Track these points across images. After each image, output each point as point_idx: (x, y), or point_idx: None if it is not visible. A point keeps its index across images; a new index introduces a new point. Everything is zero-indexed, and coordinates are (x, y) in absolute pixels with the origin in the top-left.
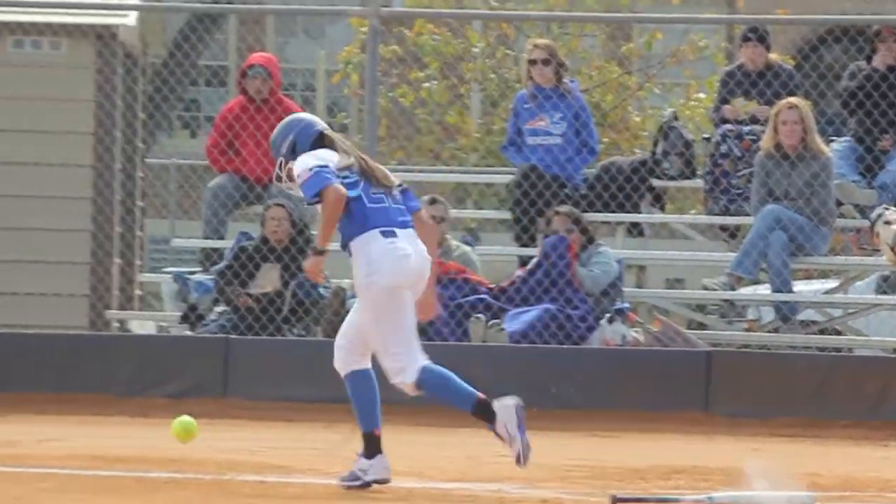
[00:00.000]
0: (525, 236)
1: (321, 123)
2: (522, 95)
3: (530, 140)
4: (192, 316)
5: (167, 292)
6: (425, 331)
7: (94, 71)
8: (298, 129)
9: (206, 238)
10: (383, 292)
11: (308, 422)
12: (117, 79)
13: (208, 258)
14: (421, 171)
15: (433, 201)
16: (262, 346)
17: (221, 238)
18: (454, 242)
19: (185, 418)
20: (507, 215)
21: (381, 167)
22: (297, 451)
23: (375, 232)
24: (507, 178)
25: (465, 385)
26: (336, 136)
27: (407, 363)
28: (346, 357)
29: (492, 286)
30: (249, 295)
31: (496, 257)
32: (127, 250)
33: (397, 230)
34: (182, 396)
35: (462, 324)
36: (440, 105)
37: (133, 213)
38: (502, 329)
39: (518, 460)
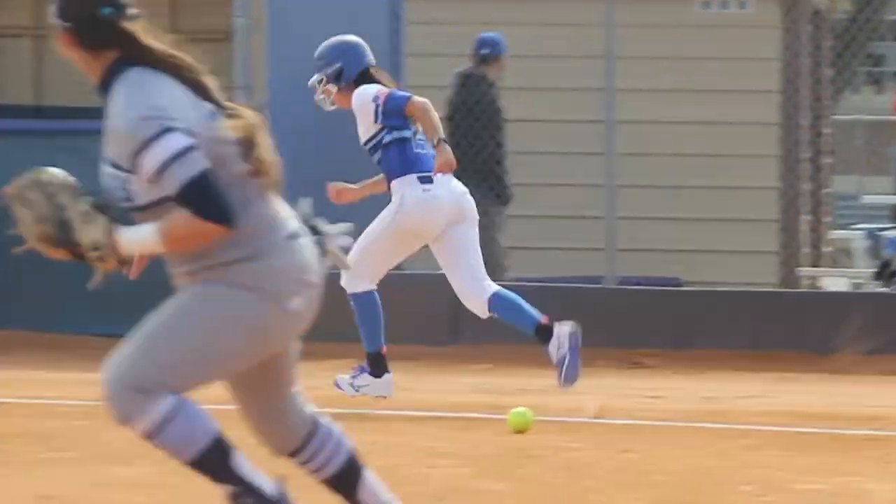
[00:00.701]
0: None
1: (370, 57)
2: None
3: None
4: (885, 272)
5: (858, 249)
6: None
7: (782, 30)
8: (348, 57)
9: None
10: (399, 232)
11: None
12: (804, 37)
13: None
14: None
15: None
16: None
17: None
18: None
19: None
20: None
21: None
22: None
23: (413, 177)
24: None
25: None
26: (383, 76)
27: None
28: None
29: None
30: None
31: None
32: (816, 207)
33: (432, 175)
34: (875, 353)
35: None
36: None
37: (821, 171)
38: None
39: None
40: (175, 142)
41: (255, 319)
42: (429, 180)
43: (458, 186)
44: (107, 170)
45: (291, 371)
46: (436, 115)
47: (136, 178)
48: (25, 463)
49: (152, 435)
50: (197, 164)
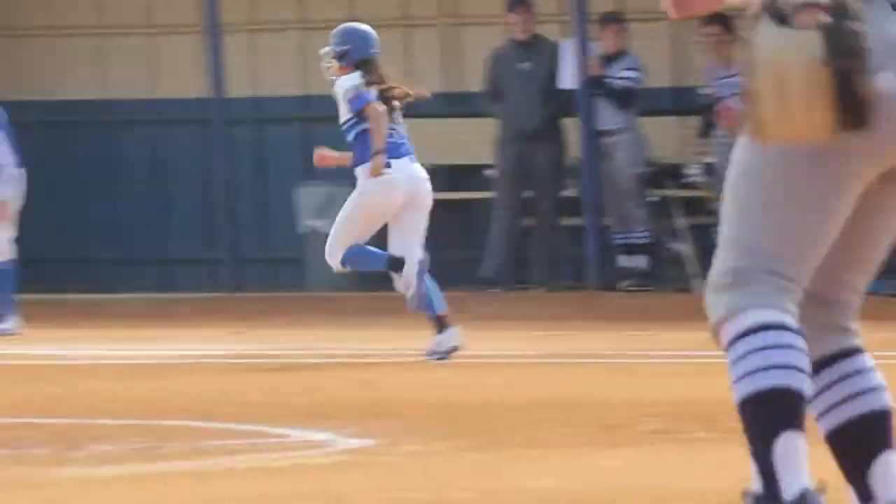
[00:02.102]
0: None
1: (376, 48)
2: None
3: None
4: None
5: None
6: None
7: None
8: (356, 44)
9: None
10: (364, 213)
11: None
12: None
13: None
14: None
15: None
16: None
17: None
18: None
19: None
20: None
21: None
22: None
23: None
24: None
25: (377, 250)
26: (383, 68)
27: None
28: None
29: None
30: None
31: None
32: None
33: (392, 161)
34: None
35: None
36: None
37: None
38: None
39: (407, 303)
40: None
41: None
42: (387, 165)
43: (419, 171)
44: None
45: None
46: (384, 126)
47: None
48: None
49: None
50: None
